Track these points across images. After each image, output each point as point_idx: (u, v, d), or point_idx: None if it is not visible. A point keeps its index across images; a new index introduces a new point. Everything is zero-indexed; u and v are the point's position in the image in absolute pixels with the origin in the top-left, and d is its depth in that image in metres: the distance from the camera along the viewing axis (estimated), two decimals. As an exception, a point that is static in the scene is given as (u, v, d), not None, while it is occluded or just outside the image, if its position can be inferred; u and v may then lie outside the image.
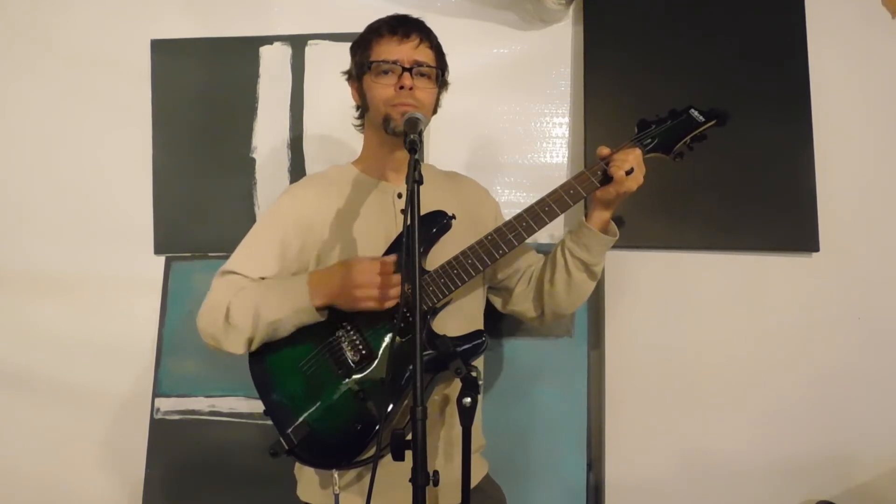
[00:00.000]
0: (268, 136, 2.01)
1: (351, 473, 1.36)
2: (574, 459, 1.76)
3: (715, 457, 1.83)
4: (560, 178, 1.44)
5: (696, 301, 1.87)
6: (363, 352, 1.32)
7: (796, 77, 1.88)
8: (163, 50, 2.05)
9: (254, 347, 1.33)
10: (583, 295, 1.45)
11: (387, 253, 1.36)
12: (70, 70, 2.07)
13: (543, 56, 1.97)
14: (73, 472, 1.97)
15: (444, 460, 1.38)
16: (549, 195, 1.37)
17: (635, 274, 1.87)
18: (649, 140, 1.39)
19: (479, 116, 1.95)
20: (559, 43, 1.97)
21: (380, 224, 1.40)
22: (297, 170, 1.99)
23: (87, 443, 1.98)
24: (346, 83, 1.48)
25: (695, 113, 1.41)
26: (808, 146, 1.86)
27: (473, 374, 1.18)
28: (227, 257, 1.40)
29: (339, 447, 1.29)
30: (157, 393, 1.94)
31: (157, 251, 2.01)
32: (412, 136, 1.16)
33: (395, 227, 1.41)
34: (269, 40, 2.02)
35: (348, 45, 1.46)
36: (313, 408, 1.30)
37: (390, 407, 1.28)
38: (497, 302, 1.57)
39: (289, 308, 1.28)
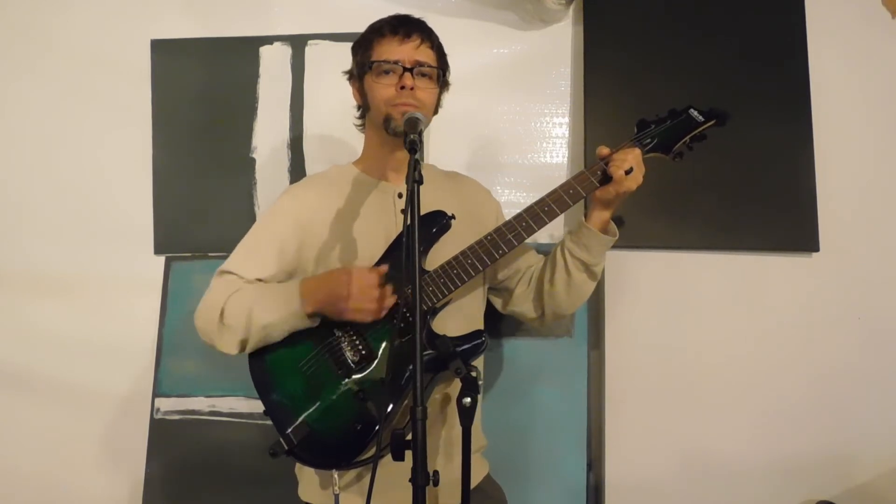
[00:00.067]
0: (268, 136, 2.01)
1: (351, 473, 1.36)
2: (574, 459, 1.76)
3: (715, 457, 1.83)
4: (560, 178, 1.44)
5: (696, 301, 1.87)
6: (363, 352, 1.32)
7: (796, 77, 1.88)
8: (163, 50, 2.05)
9: (248, 350, 1.34)
10: (583, 295, 1.45)
11: (386, 253, 1.37)
12: (70, 70, 2.07)
13: (543, 56, 1.97)
14: (73, 472, 1.97)
15: (445, 460, 1.38)
16: (548, 195, 1.37)
17: (635, 274, 1.87)
18: (649, 140, 1.39)
19: (479, 116, 1.95)
20: (559, 43, 1.97)
21: (380, 224, 1.40)
22: (297, 170, 1.99)
23: (87, 443, 1.98)
24: (347, 83, 1.48)
25: (694, 113, 1.41)
26: (808, 146, 1.86)
27: (473, 374, 1.18)
28: (226, 257, 1.40)
29: (339, 447, 1.29)
30: (157, 393, 1.94)
31: (157, 251, 2.01)
32: (412, 136, 1.16)
33: (395, 227, 1.41)
34: (269, 40, 2.02)
35: (348, 45, 1.46)
36: (313, 408, 1.30)
37: (390, 407, 1.28)
38: (497, 302, 1.57)
39: (281, 313, 1.28)
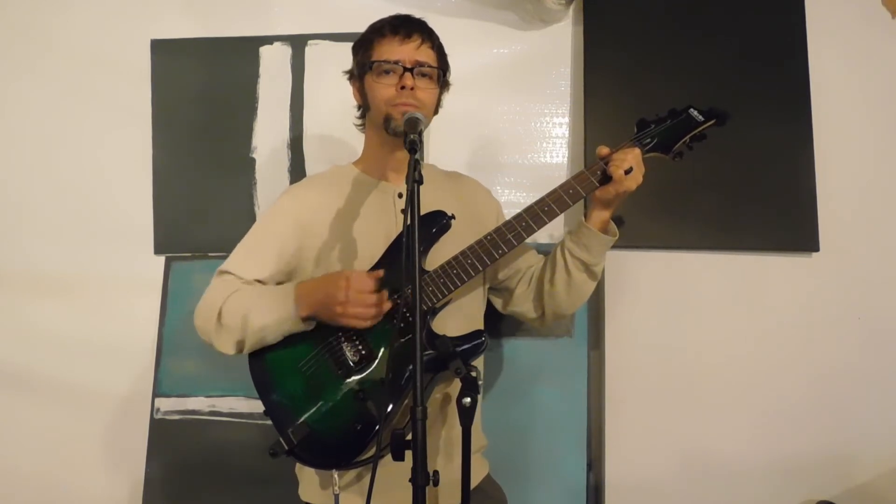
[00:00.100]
0: (268, 136, 2.01)
1: (351, 473, 1.36)
2: (574, 459, 1.76)
3: (715, 457, 1.83)
4: (560, 178, 1.44)
5: (696, 301, 1.87)
6: (363, 352, 1.32)
7: (796, 77, 1.88)
8: (163, 50, 2.05)
9: (245, 351, 1.34)
10: (583, 295, 1.45)
11: (386, 253, 1.37)
12: (70, 70, 2.07)
13: (543, 56, 1.97)
14: (73, 472, 1.97)
15: (445, 460, 1.37)
16: (548, 195, 1.37)
17: (635, 274, 1.87)
18: (649, 140, 1.39)
19: (479, 116, 1.95)
20: (559, 43, 1.97)
21: (380, 224, 1.41)
22: (297, 170, 1.99)
23: (87, 443, 1.98)
24: (347, 83, 1.48)
25: (694, 112, 1.41)
26: (808, 146, 1.86)
27: (473, 374, 1.18)
28: (226, 257, 1.41)
29: (339, 447, 1.29)
30: (157, 393, 1.94)
31: (157, 251, 2.01)
32: (412, 136, 1.16)
33: (395, 227, 1.41)
34: (269, 40, 2.02)
35: (348, 45, 1.46)
36: (313, 408, 1.30)
37: (390, 407, 1.28)
38: (498, 303, 1.57)
39: (275, 316, 1.28)
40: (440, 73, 1.41)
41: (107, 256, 2.02)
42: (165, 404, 1.93)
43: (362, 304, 1.25)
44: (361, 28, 1.43)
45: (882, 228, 1.88)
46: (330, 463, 1.30)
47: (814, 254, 1.85)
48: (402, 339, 1.31)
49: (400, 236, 1.38)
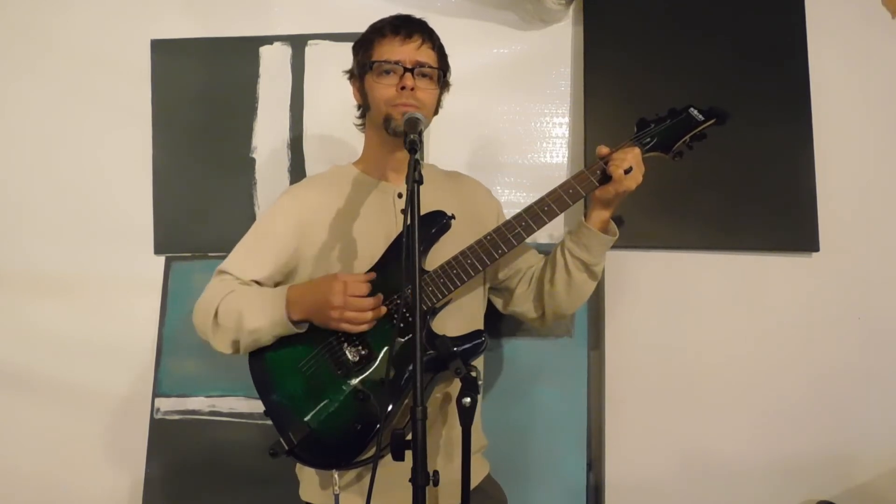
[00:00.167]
0: (268, 136, 2.01)
1: (351, 473, 1.36)
2: (574, 459, 1.76)
3: (715, 457, 1.83)
4: (560, 178, 1.44)
5: (696, 301, 1.87)
6: (363, 352, 1.32)
7: (796, 77, 1.88)
8: (163, 50, 2.05)
9: (242, 352, 1.35)
10: (583, 295, 1.45)
11: (386, 253, 1.37)
12: (70, 70, 2.07)
13: (543, 56, 1.97)
14: (73, 472, 1.97)
15: (445, 460, 1.38)
16: (548, 195, 1.37)
17: (635, 274, 1.87)
18: (648, 139, 1.39)
19: (479, 116, 1.95)
20: (559, 43, 1.97)
21: (380, 224, 1.41)
22: (297, 170, 1.99)
23: (87, 443, 1.98)
24: (347, 83, 1.48)
25: (694, 112, 1.41)
26: (808, 146, 1.86)
27: (473, 374, 1.18)
28: (226, 257, 1.41)
29: (339, 447, 1.29)
30: (157, 393, 1.94)
31: (157, 251, 2.01)
32: (412, 136, 1.16)
33: (395, 227, 1.41)
34: (269, 40, 2.02)
35: (348, 45, 1.46)
36: (313, 408, 1.30)
37: (390, 407, 1.28)
38: (498, 303, 1.57)
39: (267, 319, 1.28)
40: (440, 74, 1.41)
41: (107, 256, 2.02)
42: (165, 404, 1.93)
43: (358, 308, 1.25)
44: (361, 28, 1.43)
45: (882, 228, 1.88)
46: (330, 463, 1.30)
47: (814, 254, 1.85)
48: (402, 339, 1.31)
49: (400, 236, 1.38)
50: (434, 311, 1.36)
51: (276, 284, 1.42)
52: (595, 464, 1.86)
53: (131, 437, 1.93)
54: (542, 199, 1.37)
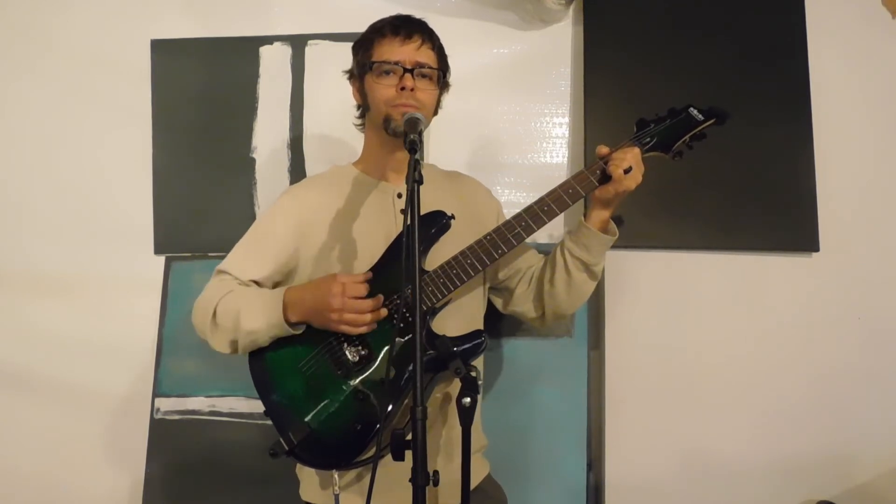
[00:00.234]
0: (268, 136, 2.01)
1: (351, 473, 1.36)
2: (574, 459, 1.76)
3: (715, 457, 1.83)
4: (560, 178, 1.44)
5: (696, 301, 1.87)
6: (363, 352, 1.32)
7: (796, 77, 1.88)
8: (163, 50, 2.05)
9: (240, 352, 1.35)
10: (583, 295, 1.45)
11: (386, 253, 1.37)
12: (70, 70, 2.07)
13: (543, 56, 1.97)
14: (73, 472, 1.97)
15: (445, 460, 1.38)
16: (547, 195, 1.37)
17: (635, 274, 1.87)
18: (648, 139, 1.39)
19: (479, 116, 1.95)
20: (559, 43, 1.97)
21: (379, 224, 1.41)
22: (297, 170, 1.99)
23: (87, 443, 1.98)
24: (347, 83, 1.48)
25: (694, 112, 1.41)
26: (808, 146, 1.86)
27: (473, 374, 1.18)
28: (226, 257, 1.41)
29: (339, 447, 1.29)
30: (157, 393, 1.94)
31: (157, 251, 2.01)
32: (412, 136, 1.16)
33: (394, 227, 1.41)
34: (269, 40, 2.02)
35: (348, 45, 1.46)
36: (313, 408, 1.30)
37: (390, 407, 1.28)
38: (498, 302, 1.57)
39: (264, 320, 1.28)
40: (440, 75, 1.40)
41: (107, 256, 2.02)
42: (165, 404, 1.93)
43: (357, 310, 1.25)
44: (361, 28, 1.43)
45: (882, 228, 1.88)
46: (330, 463, 1.30)
47: (814, 254, 1.85)
48: (402, 339, 1.31)
49: (400, 236, 1.38)
50: (434, 311, 1.36)
51: (276, 285, 1.42)
52: (595, 464, 1.86)
53: (131, 437, 1.93)
54: (541, 199, 1.37)
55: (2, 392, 2.01)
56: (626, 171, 1.31)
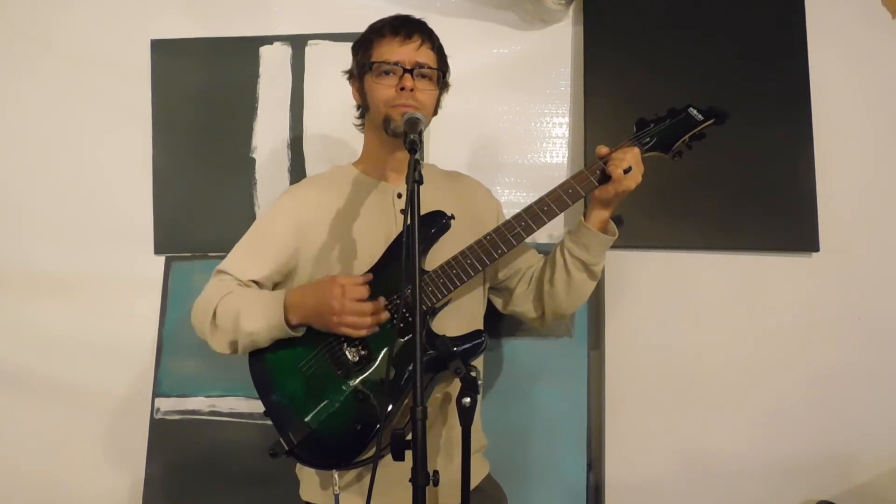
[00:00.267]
0: (268, 136, 2.01)
1: (351, 473, 1.36)
2: (574, 459, 1.76)
3: (715, 457, 1.83)
4: (560, 178, 1.44)
5: (696, 301, 1.87)
6: (363, 352, 1.32)
7: (796, 77, 1.88)
8: (163, 50, 2.05)
9: (240, 352, 1.35)
10: (583, 295, 1.45)
11: (386, 253, 1.37)
12: (70, 70, 2.07)
13: (543, 56, 1.97)
14: (73, 472, 1.97)
15: (445, 460, 1.38)
16: (547, 195, 1.37)
17: (635, 274, 1.87)
18: (648, 139, 1.39)
19: (479, 116, 1.95)
20: (559, 43, 1.97)
21: (379, 224, 1.41)
22: (297, 170, 1.99)
23: (87, 443, 1.98)
24: (347, 83, 1.48)
25: (693, 112, 1.41)
26: (808, 146, 1.86)
27: (473, 374, 1.18)
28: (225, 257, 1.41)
29: (339, 447, 1.29)
30: (157, 393, 1.94)
31: (157, 251, 2.01)
32: (412, 136, 1.16)
33: (394, 227, 1.41)
34: (269, 40, 2.02)
35: (348, 45, 1.46)
36: (313, 408, 1.30)
37: (390, 407, 1.28)
38: (498, 302, 1.57)
39: (264, 323, 1.28)
40: (440, 75, 1.40)
41: (107, 256, 2.02)
42: (165, 404, 1.93)
43: (358, 313, 1.25)
44: (361, 28, 1.43)
45: (882, 228, 1.88)
46: (330, 463, 1.30)
47: (814, 254, 1.85)
48: (402, 339, 1.31)
49: (400, 236, 1.38)
50: (434, 311, 1.36)
51: (276, 285, 1.42)
52: (595, 464, 1.86)
53: (131, 437, 1.93)
54: (541, 199, 1.37)
55: (2, 392, 2.01)
56: (626, 171, 1.31)
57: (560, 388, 1.79)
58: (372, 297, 1.28)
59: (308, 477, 1.43)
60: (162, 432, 1.92)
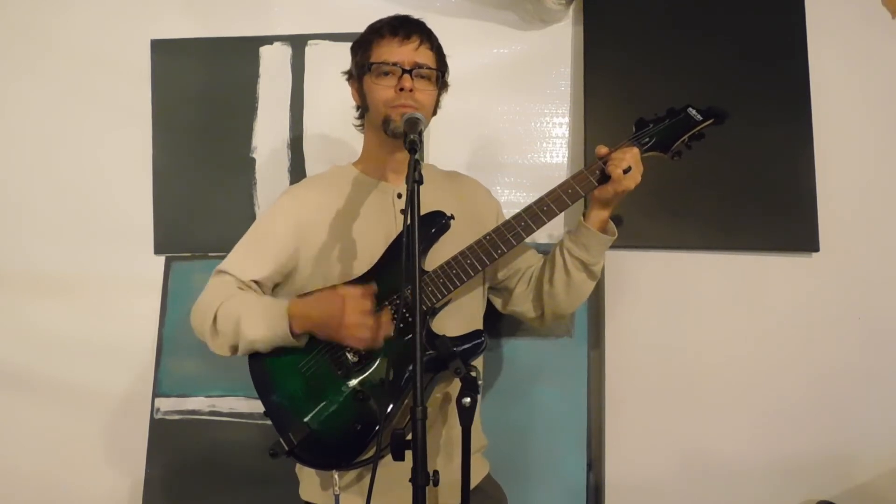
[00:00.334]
0: (268, 136, 2.01)
1: (351, 473, 1.36)
2: (574, 459, 1.76)
3: (715, 457, 1.83)
4: (560, 178, 1.44)
5: (696, 301, 1.87)
6: (362, 352, 1.32)
7: (796, 77, 1.88)
8: (163, 50, 2.05)
9: (240, 355, 1.35)
10: (582, 295, 1.45)
11: (386, 253, 1.37)
12: (70, 70, 2.07)
13: (543, 56, 1.97)
14: (73, 472, 1.97)
15: (445, 460, 1.38)
16: (547, 195, 1.37)
17: (635, 274, 1.87)
18: (647, 139, 1.39)
19: (479, 116, 1.95)
20: (559, 43, 1.97)
21: (379, 224, 1.41)
22: (297, 170, 1.99)
23: (87, 443, 1.98)
24: (346, 83, 1.48)
25: (693, 112, 1.42)
26: (808, 146, 1.86)
27: (473, 374, 1.18)
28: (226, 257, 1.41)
29: (339, 448, 1.29)
30: (157, 393, 1.94)
31: (157, 251, 2.01)
32: (412, 136, 1.16)
33: (394, 227, 1.41)
34: (269, 40, 2.02)
35: (348, 45, 1.46)
36: (313, 409, 1.30)
37: (390, 407, 1.28)
38: (497, 302, 1.57)
39: (266, 331, 1.28)
40: (439, 75, 1.40)
41: (107, 256, 2.02)
42: (165, 404, 1.93)
43: (365, 327, 1.23)
44: (361, 28, 1.43)
45: (882, 228, 1.88)
46: (330, 463, 1.30)
47: (814, 254, 1.85)
48: (402, 340, 1.31)
49: (399, 236, 1.38)
50: (434, 311, 1.36)
51: (276, 285, 1.42)
52: (595, 464, 1.86)
53: (131, 437, 1.93)
54: (541, 199, 1.37)
55: (2, 392, 2.01)
56: (626, 171, 1.31)
57: (560, 388, 1.79)
58: (377, 308, 1.27)
59: (308, 477, 1.43)
60: (162, 432, 1.92)
